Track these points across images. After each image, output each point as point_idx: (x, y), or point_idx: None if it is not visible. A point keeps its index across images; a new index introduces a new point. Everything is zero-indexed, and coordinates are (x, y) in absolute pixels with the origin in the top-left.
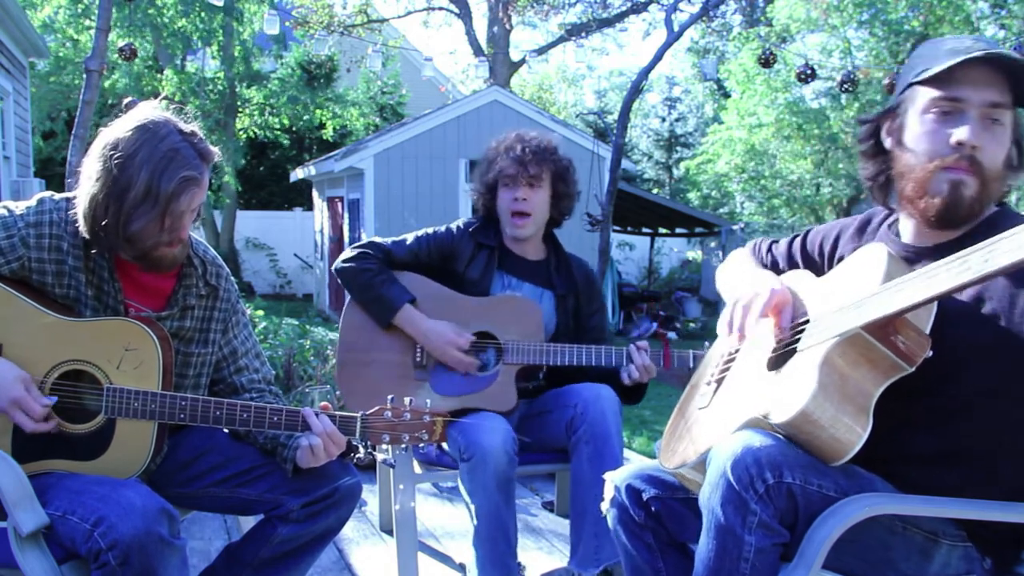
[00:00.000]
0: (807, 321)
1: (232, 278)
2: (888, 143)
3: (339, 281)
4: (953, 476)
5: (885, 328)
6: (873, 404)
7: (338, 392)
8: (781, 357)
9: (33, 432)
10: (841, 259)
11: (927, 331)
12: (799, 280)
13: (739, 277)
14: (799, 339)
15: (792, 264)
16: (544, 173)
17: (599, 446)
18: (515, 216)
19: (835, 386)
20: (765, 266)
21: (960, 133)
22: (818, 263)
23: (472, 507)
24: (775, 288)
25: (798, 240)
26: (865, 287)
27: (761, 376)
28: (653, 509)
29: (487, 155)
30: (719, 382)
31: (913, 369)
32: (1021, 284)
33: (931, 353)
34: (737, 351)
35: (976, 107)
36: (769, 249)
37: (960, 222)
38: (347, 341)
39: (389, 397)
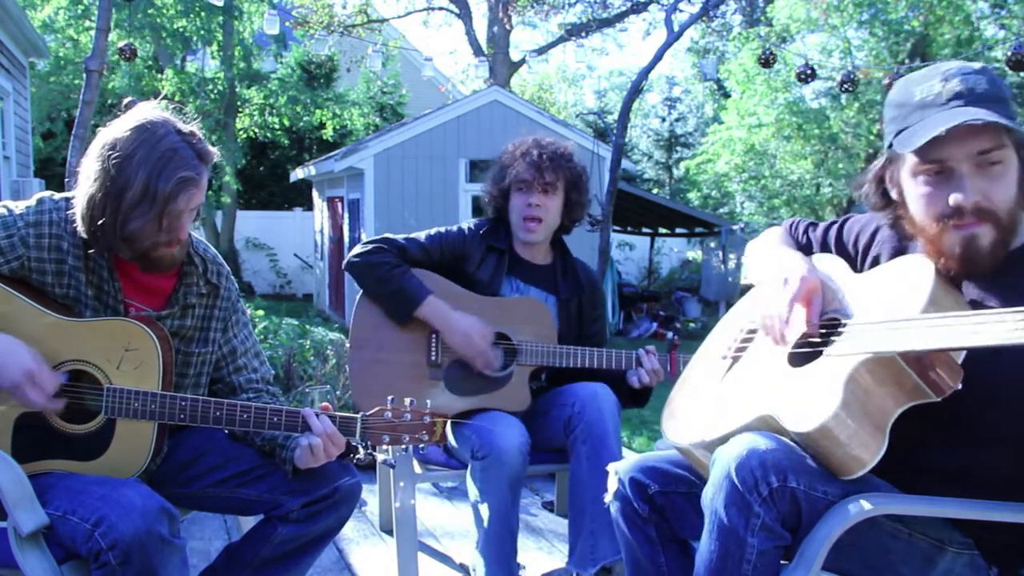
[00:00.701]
0: (837, 322)
1: (232, 277)
2: (894, 194)
3: (352, 275)
4: (966, 493)
5: (921, 359)
6: (891, 423)
7: (338, 392)
8: (805, 354)
9: (43, 409)
10: (876, 258)
11: (960, 361)
12: (831, 267)
13: (770, 257)
14: (826, 340)
15: (825, 251)
16: (559, 180)
17: (596, 445)
18: (527, 220)
19: (858, 403)
20: (800, 246)
21: (955, 199)
22: (852, 256)
23: (482, 506)
24: (805, 276)
25: (834, 228)
26: (906, 306)
27: (782, 370)
28: (657, 503)
29: (502, 159)
30: (735, 359)
31: (939, 399)
32: None
33: (960, 386)
34: (757, 331)
35: (965, 161)
36: (806, 231)
37: (988, 266)
38: (359, 340)
39: (389, 398)
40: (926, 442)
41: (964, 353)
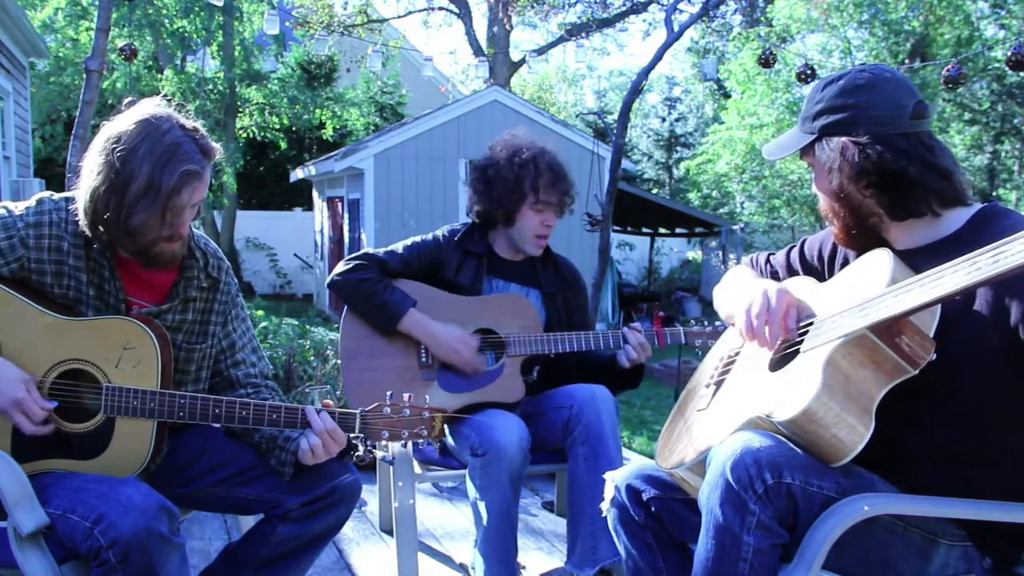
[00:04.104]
0: (810, 323)
1: (232, 271)
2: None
3: (336, 292)
4: (955, 477)
5: (890, 330)
6: (876, 405)
7: (338, 392)
8: (784, 358)
9: (31, 434)
10: (845, 261)
11: (931, 334)
12: (801, 285)
13: (741, 288)
14: (802, 340)
15: (792, 273)
16: (572, 201)
17: (595, 447)
18: (539, 238)
19: (839, 386)
20: (765, 277)
21: None
22: (818, 269)
23: (482, 504)
24: (781, 289)
25: (795, 250)
26: (871, 289)
27: (763, 376)
28: (653, 509)
29: (505, 171)
30: (719, 384)
31: (916, 372)
32: (1016, 285)
33: (935, 356)
34: (738, 353)
35: None
36: (767, 261)
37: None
38: (349, 351)
39: (388, 393)
40: (909, 425)
41: (935, 324)
